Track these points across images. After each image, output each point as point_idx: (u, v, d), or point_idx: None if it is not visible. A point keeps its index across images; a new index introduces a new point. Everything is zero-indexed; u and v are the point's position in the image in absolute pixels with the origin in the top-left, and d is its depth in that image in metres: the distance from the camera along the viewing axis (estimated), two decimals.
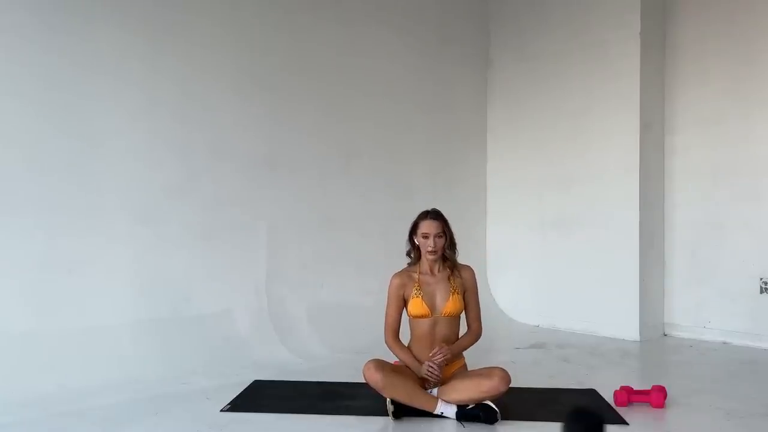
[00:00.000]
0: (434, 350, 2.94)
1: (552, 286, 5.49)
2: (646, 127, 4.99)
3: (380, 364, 2.89)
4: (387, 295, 3.13)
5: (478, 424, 2.81)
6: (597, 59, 5.22)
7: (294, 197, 4.69)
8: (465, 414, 2.84)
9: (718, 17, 4.92)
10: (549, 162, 5.57)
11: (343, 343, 4.38)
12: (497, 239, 5.96)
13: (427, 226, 3.06)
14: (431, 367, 2.91)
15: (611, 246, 5.09)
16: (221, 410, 3.06)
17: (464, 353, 3.14)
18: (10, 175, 3.46)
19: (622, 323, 4.96)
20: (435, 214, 3.10)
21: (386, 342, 3.12)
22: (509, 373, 2.88)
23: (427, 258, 3.08)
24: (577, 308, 5.28)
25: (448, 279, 3.08)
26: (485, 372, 2.92)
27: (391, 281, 3.12)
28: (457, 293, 3.06)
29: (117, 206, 3.85)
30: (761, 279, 4.66)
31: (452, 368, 3.05)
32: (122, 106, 3.89)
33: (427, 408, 2.88)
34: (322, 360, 4.14)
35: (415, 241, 3.12)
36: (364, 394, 3.16)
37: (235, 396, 3.28)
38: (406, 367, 3.04)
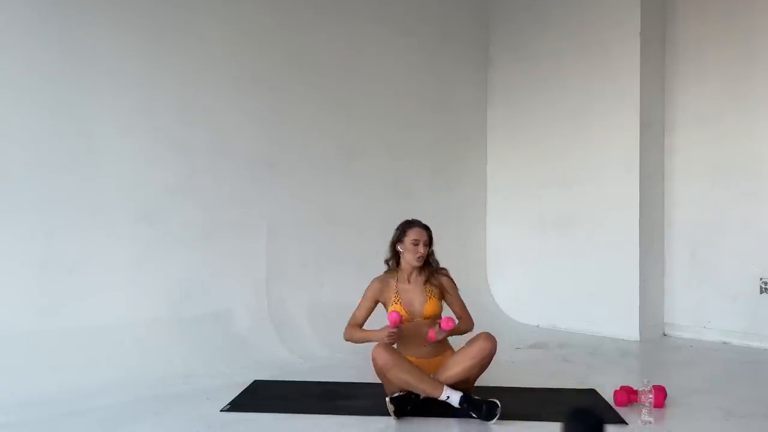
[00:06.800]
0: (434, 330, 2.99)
1: (552, 285, 5.48)
2: (646, 126, 4.99)
3: (390, 347, 2.97)
4: (363, 296, 3.24)
5: (477, 420, 2.81)
6: (597, 58, 5.22)
7: (294, 197, 4.69)
8: (469, 399, 2.84)
9: (718, 17, 4.92)
10: (549, 161, 5.57)
11: (343, 343, 4.35)
12: (497, 239, 5.95)
13: (418, 234, 3.18)
14: (392, 332, 2.96)
15: (611, 246, 5.09)
16: (221, 410, 3.06)
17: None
18: (10, 175, 3.46)
19: (622, 323, 4.96)
20: (422, 223, 3.23)
21: (345, 336, 3.23)
22: (494, 336, 2.98)
23: (412, 265, 3.18)
24: (577, 308, 5.28)
25: (424, 285, 3.17)
26: (470, 341, 3.00)
27: (371, 283, 3.24)
28: (434, 297, 3.14)
29: (117, 205, 3.85)
30: (761, 279, 4.66)
31: (441, 358, 3.10)
32: (122, 105, 3.89)
33: (433, 393, 2.88)
34: (322, 360, 4.13)
35: (399, 249, 3.21)
36: (364, 394, 3.16)
37: (235, 396, 3.28)
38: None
